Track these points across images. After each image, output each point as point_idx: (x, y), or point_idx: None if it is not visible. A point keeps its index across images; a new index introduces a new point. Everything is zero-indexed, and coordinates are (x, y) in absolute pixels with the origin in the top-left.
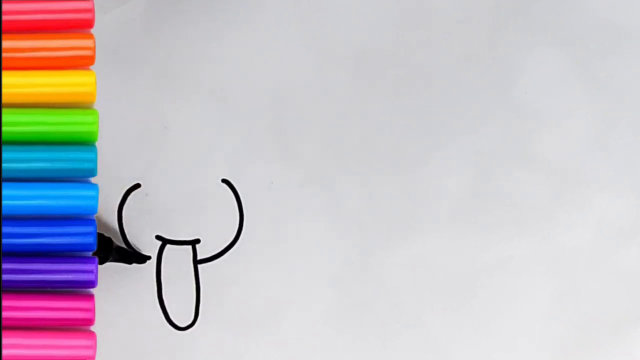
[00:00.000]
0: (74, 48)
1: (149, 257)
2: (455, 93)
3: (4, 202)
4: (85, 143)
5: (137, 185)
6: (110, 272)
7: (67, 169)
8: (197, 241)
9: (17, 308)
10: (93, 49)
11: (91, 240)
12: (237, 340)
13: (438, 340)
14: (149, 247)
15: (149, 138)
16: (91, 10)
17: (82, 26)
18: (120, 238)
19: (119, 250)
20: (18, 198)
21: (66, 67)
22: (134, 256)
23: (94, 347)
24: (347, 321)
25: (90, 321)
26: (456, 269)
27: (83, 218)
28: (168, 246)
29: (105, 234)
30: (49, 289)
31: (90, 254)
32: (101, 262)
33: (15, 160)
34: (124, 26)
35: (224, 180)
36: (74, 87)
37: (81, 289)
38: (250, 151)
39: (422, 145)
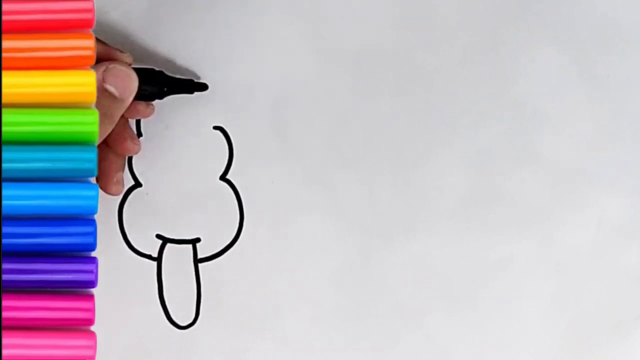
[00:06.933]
0: (74, 48)
1: (205, 86)
2: (456, 93)
3: (4, 202)
4: (85, 143)
5: (137, 185)
6: (110, 272)
7: (67, 169)
8: (198, 240)
9: (17, 308)
10: (93, 49)
11: (91, 240)
12: (237, 338)
13: (438, 339)
14: (150, 247)
15: (149, 138)
16: (91, 10)
17: (82, 26)
18: (121, 237)
19: (174, 81)
20: (18, 198)
21: (66, 67)
22: (191, 84)
23: (94, 347)
24: (348, 321)
25: (90, 321)
26: (456, 269)
27: (83, 218)
28: (168, 245)
29: (156, 69)
30: (49, 289)
31: (90, 254)
32: (160, 97)
33: (15, 160)
34: (124, 26)
35: (224, 179)
36: (74, 87)
37: (81, 289)
38: (251, 150)
39: (422, 144)
